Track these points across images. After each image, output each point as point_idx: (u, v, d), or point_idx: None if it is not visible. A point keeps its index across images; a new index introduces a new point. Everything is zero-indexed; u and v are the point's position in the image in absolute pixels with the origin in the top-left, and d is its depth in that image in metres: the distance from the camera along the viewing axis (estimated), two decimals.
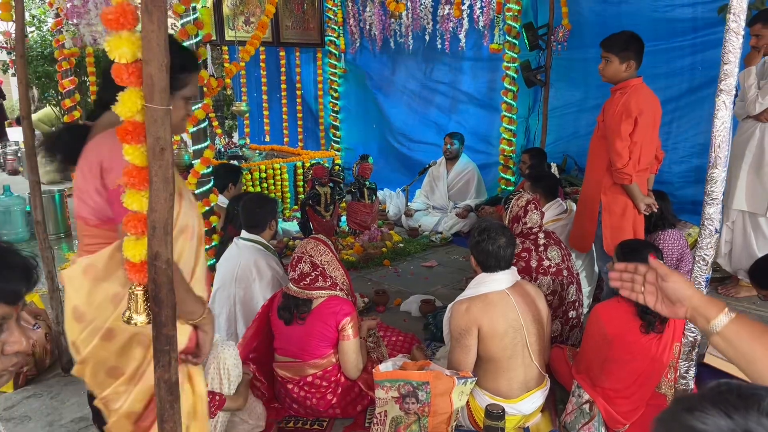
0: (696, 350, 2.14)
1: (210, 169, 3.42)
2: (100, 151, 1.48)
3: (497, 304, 2.40)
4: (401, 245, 5.05)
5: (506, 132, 5.62)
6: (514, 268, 2.54)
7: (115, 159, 1.37)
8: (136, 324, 1.10)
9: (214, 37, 6.21)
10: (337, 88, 7.59)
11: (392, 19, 6.18)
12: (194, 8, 3.26)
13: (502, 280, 2.46)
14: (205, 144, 3.41)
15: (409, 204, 6.04)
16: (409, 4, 5.94)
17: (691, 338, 2.11)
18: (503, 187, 5.72)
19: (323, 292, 2.54)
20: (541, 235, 3.06)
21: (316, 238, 2.68)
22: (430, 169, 5.94)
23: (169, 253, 1.05)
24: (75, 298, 1.54)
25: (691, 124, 4.67)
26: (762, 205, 3.70)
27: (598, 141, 3.25)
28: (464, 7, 5.54)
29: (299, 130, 7.70)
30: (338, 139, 7.73)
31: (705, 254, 2.03)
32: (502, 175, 5.73)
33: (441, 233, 5.47)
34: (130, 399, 1.55)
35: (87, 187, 1.51)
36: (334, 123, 7.70)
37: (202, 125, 3.40)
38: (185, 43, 3.35)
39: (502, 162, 5.70)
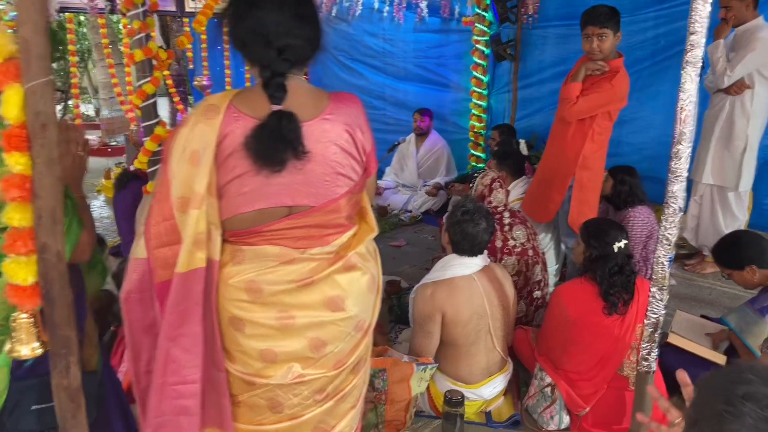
0: (659, 331, 2.09)
1: (162, 146, 3.25)
2: (350, 118, 1.44)
3: (463, 289, 2.32)
4: None
5: (476, 108, 5.51)
6: (485, 252, 2.46)
7: (361, 120, 1.47)
8: (20, 356, 0.96)
9: (174, 9, 5.93)
10: None
11: None
12: None
13: (471, 264, 2.38)
14: (156, 120, 3.22)
15: (378, 182, 5.92)
16: None
17: (653, 319, 2.05)
18: (473, 164, 5.63)
19: None
20: (507, 214, 2.97)
21: None
22: (399, 147, 5.80)
23: (59, 245, 0.92)
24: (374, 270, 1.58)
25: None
26: (732, 178, 3.68)
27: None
28: None
29: None
30: None
31: (669, 233, 1.96)
32: (473, 152, 5.63)
33: (410, 212, 5.37)
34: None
35: (347, 160, 1.43)
36: None
37: (152, 100, 3.21)
38: (130, 13, 3.14)
39: (472, 139, 5.61)
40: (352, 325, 1.50)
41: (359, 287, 1.49)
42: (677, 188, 1.92)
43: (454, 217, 2.37)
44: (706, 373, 0.98)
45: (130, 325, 1.44)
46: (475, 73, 5.38)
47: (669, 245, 1.97)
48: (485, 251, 2.44)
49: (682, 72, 1.85)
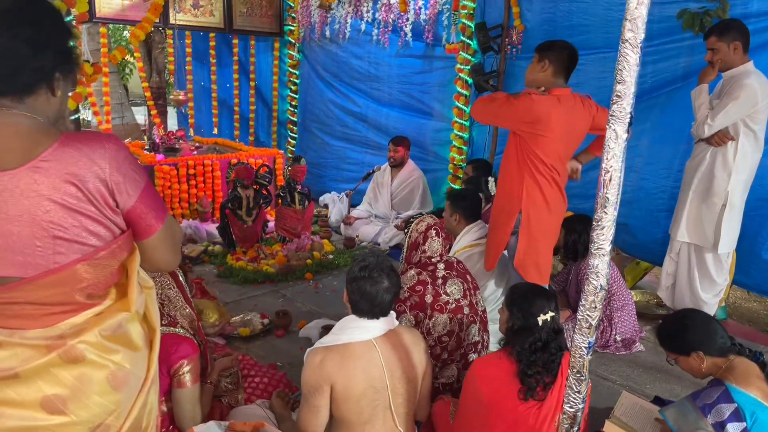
0: (576, 427, 1.77)
1: None
2: (80, 167, 1.13)
3: (358, 358, 1.99)
4: (330, 257, 4.64)
5: (457, 139, 5.22)
6: (392, 314, 2.14)
7: (109, 169, 1.16)
8: None
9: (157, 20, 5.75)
10: (295, 81, 7.15)
11: (324, 10, 5.75)
12: None
13: (372, 328, 2.06)
14: None
15: (352, 210, 5.64)
16: None
17: (570, 413, 1.73)
18: None
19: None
20: (441, 266, 2.65)
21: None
22: (375, 175, 5.52)
23: None
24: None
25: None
26: (708, 238, 3.28)
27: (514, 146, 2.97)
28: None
29: (251, 124, 7.27)
30: (295, 136, 7.32)
31: (588, 315, 1.65)
32: (451, 184, 5.33)
33: (380, 245, 5.08)
34: None
35: (74, 219, 1.14)
36: (291, 118, 7.28)
37: (74, 117, 2.99)
38: None
39: (451, 171, 5.31)
40: None
41: (91, 386, 1.19)
42: (599, 263, 1.61)
43: (352, 273, 2.06)
44: None
45: None
46: (457, 102, 5.10)
47: (588, 328, 1.66)
48: (391, 312, 2.12)
49: (607, 128, 1.54)
